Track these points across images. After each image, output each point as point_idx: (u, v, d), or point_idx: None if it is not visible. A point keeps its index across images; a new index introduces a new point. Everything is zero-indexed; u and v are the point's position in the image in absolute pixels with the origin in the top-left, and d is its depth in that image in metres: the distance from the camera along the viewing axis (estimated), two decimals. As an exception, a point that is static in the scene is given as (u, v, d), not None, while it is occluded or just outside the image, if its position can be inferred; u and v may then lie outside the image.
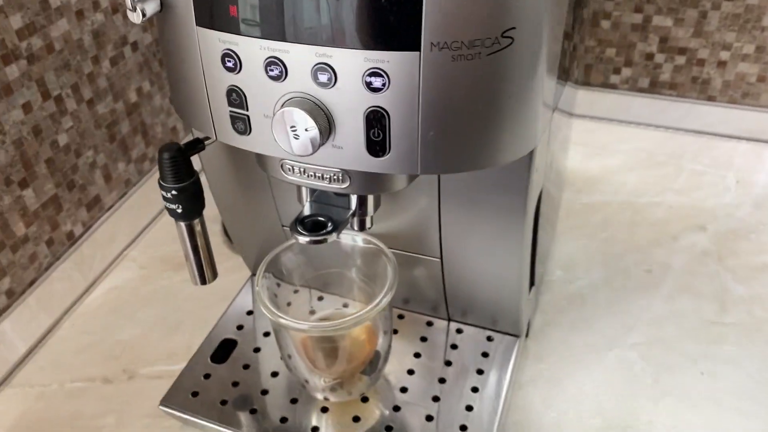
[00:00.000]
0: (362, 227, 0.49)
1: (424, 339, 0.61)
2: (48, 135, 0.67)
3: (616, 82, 0.92)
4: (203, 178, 0.50)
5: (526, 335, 0.64)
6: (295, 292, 0.62)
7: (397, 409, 0.55)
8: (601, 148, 0.90)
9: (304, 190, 0.49)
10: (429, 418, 0.54)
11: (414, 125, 0.39)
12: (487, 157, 0.41)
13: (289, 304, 0.60)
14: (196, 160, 0.49)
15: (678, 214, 0.79)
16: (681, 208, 0.80)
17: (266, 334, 0.63)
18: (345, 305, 0.62)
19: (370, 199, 0.48)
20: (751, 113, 0.88)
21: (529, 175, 0.45)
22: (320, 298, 0.63)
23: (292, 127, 0.40)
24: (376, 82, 0.38)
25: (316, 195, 0.49)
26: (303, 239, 0.46)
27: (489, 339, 0.60)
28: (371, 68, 0.38)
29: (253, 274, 0.68)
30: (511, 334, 0.61)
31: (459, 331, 0.61)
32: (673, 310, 0.68)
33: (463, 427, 0.53)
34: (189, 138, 0.49)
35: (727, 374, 0.61)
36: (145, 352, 0.66)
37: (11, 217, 0.65)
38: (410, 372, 0.58)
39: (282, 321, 0.48)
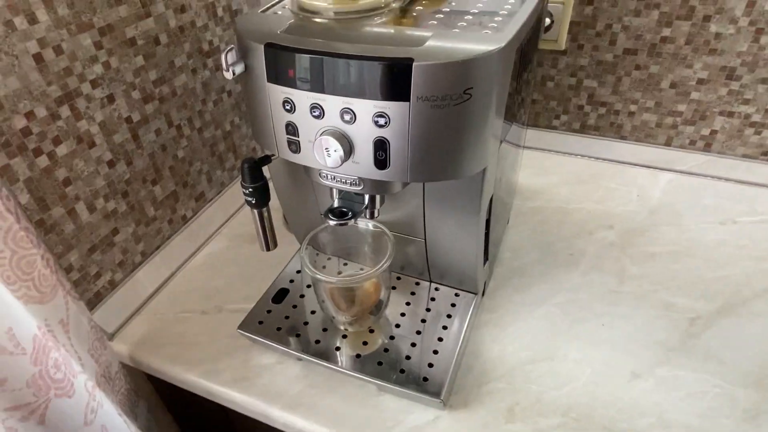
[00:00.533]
0: (372, 216, 0.52)
1: (413, 293, 0.64)
2: (171, 150, 0.71)
3: (557, 125, 0.93)
4: (271, 183, 0.53)
5: (483, 294, 0.67)
6: (328, 259, 0.65)
7: (392, 338, 0.58)
8: (544, 169, 0.91)
9: (334, 190, 0.52)
10: (413, 344, 0.57)
11: (405, 150, 0.42)
12: (453, 172, 0.44)
13: (324, 267, 0.63)
14: (266, 170, 0.52)
15: (594, 216, 0.80)
16: (597, 213, 0.81)
17: (308, 286, 0.66)
18: (361, 269, 0.66)
19: (377, 197, 0.51)
20: (651, 148, 0.89)
21: (482, 184, 0.48)
22: (345, 264, 0.66)
23: (326, 149, 0.43)
24: (381, 120, 0.41)
25: (342, 194, 0.52)
26: (332, 222, 0.49)
27: (456, 295, 0.63)
28: (378, 112, 0.41)
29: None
30: (472, 293, 0.63)
31: (437, 289, 0.64)
32: (586, 281, 0.69)
33: (435, 351, 0.56)
34: (261, 154, 0.52)
35: (621, 326, 0.63)
36: (230, 294, 0.70)
37: (145, 203, 0.69)
38: (402, 314, 0.61)
39: (317, 276, 0.51)
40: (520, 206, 0.83)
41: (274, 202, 0.54)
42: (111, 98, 0.60)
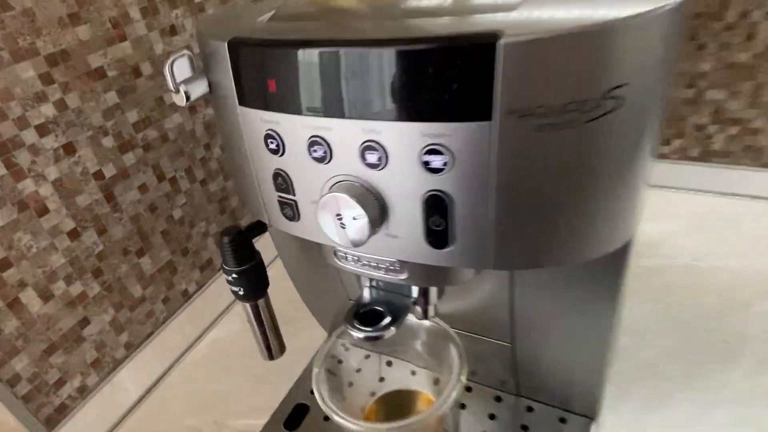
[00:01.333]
0: (425, 316, 0.32)
1: (492, 417, 0.42)
2: (163, 210, 0.55)
3: (667, 152, 0.70)
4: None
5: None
6: (366, 357, 0.45)
7: (465, 501, 0.37)
8: (656, 213, 0.68)
9: (365, 279, 0.33)
10: None
11: (484, 212, 0.22)
12: (577, 251, 0.23)
13: (358, 370, 0.43)
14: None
15: (744, 279, 0.56)
16: (747, 273, 0.57)
17: (339, 399, 0.46)
18: (413, 372, 0.45)
19: (433, 290, 0.31)
20: (807, 178, 0.64)
21: (623, 267, 0.27)
22: (389, 363, 0.46)
23: (337, 215, 0.24)
24: (436, 161, 0.21)
25: (375, 281, 0.33)
26: (358, 334, 0.30)
27: (562, 421, 0.41)
28: (429, 145, 0.21)
29: (329, 335, 0.52)
30: (587, 416, 0.41)
31: (530, 409, 0.42)
32: (757, 386, 0.45)
33: None
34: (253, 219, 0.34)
35: None
36: (235, 403, 0.51)
37: (128, 281, 0.53)
38: (480, 457, 0.39)
39: (337, 419, 0.31)
40: (632, 266, 0.60)
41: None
42: (70, 148, 0.45)
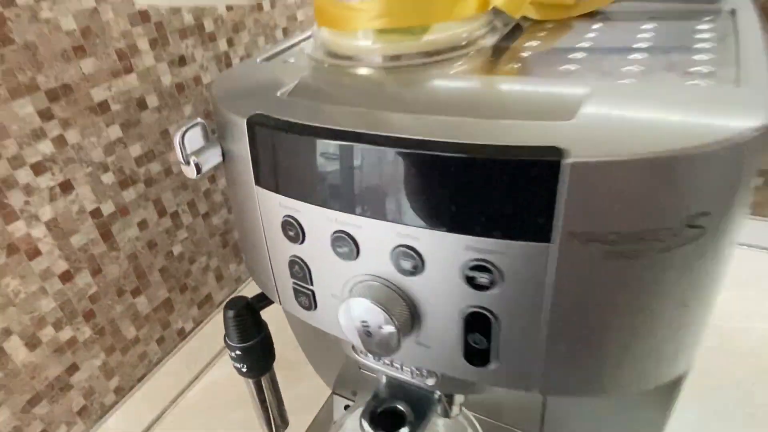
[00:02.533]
0: (446, 414, 0.29)
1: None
2: (163, 247, 0.53)
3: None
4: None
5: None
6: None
7: None
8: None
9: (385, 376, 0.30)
10: None
11: (535, 336, 0.19)
12: (628, 382, 0.21)
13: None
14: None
15: (772, 344, 0.53)
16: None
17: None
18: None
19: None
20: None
21: (674, 397, 0.24)
22: None
23: (363, 322, 0.21)
24: (482, 278, 0.19)
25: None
26: (373, 437, 0.27)
27: None
28: (475, 260, 0.18)
29: (333, 392, 0.49)
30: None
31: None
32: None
33: None
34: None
35: None
36: (230, 459, 0.48)
37: (122, 323, 0.50)
38: None
39: None
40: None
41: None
42: (67, 186, 0.42)
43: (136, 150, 0.48)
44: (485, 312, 0.19)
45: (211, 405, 0.55)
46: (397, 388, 0.28)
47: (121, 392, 0.52)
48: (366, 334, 0.21)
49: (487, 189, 0.17)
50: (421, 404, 0.27)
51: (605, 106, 0.18)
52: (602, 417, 0.29)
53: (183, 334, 0.58)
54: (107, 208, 0.46)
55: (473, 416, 0.32)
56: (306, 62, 0.28)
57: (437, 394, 0.28)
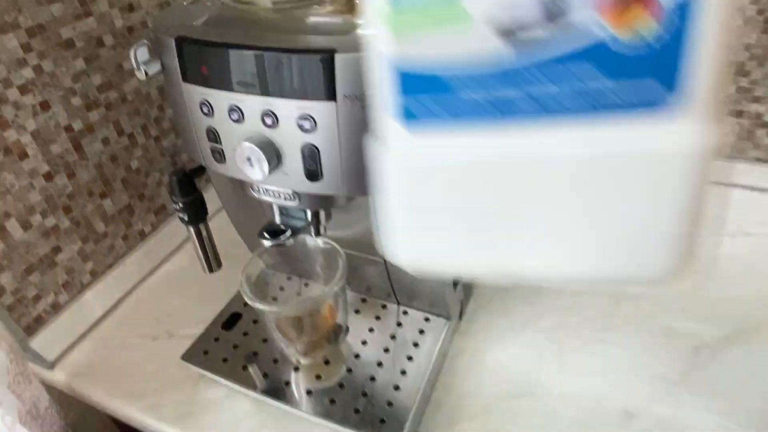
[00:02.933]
0: (318, 233, 0.46)
1: (378, 318, 0.57)
2: (123, 161, 0.66)
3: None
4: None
5: (460, 318, 0.60)
6: (288, 279, 0.59)
7: (349, 370, 0.52)
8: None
9: (274, 205, 0.46)
10: (372, 378, 0.50)
11: (338, 158, 0.36)
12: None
13: (281, 288, 0.57)
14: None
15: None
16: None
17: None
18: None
19: (321, 213, 0.45)
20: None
21: None
22: (306, 284, 0.59)
23: (249, 158, 0.37)
24: (306, 124, 0.35)
25: (283, 209, 0.46)
26: (266, 243, 0.43)
27: (426, 320, 0.56)
28: (302, 114, 0.35)
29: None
30: (444, 317, 0.56)
31: (405, 312, 0.57)
32: (576, 302, 0.62)
33: (397, 387, 0.49)
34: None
35: (615, 355, 0.55)
36: (184, 318, 0.64)
37: (93, 219, 0.64)
38: (364, 342, 0.54)
39: (256, 305, 0.45)
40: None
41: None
42: (45, 105, 0.55)
43: (97, 80, 0.61)
44: (313, 146, 0.35)
45: (168, 286, 0.71)
46: (284, 218, 0.45)
47: (95, 274, 0.66)
48: (250, 165, 0.37)
49: (300, 72, 0.33)
50: (297, 224, 0.44)
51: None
52: None
53: (143, 235, 0.72)
54: (77, 125, 0.59)
55: (341, 249, 0.49)
56: (219, 4, 0.42)
57: (307, 215, 0.44)
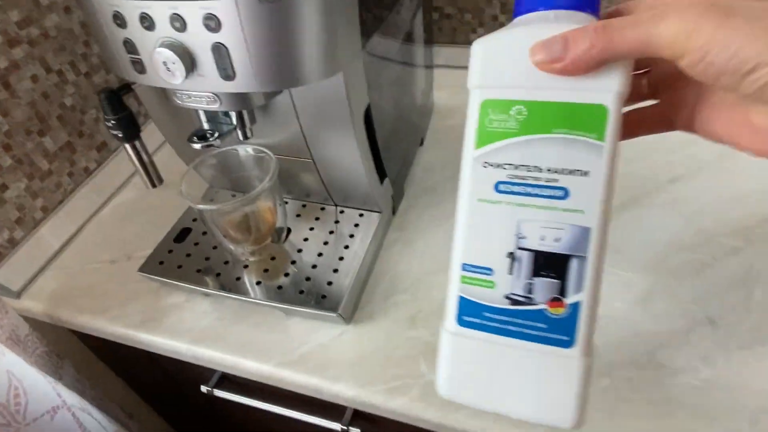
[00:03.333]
0: (245, 137, 0.50)
1: (317, 219, 0.63)
2: (55, 98, 0.68)
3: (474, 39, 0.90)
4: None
5: (394, 213, 0.66)
6: (216, 192, 0.63)
7: (293, 262, 0.58)
8: (463, 88, 0.89)
9: (199, 112, 0.50)
10: (314, 266, 0.57)
11: (247, 55, 0.40)
12: (301, 77, 0.41)
13: (212, 199, 0.62)
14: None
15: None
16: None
17: (215, 224, 0.65)
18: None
19: (245, 114, 0.49)
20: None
21: (347, 93, 0.46)
22: (233, 195, 0.64)
23: (164, 63, 0.40)
24: (212, 24, 0.38)
25: (209, 115, 0.50)
26: (195, 146, 0.48)
27: (360, 215, 0.62)
28: (206, 14, 0.38)
29: (211, 186, 0.69)
30: (376, 211, 0.62)
31: (342, 212, 0.63)
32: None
33: (335, 270, 0.56)
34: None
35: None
36: (140, 242, 0.68)
37: (35, 156, 0.66)
38: (305, 240, 0.60)
39: (198, 207, 0.50)
40: (437, 125, 0.82)
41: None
42: (-36, 42, 0.56)
43: (15, 16, 0.61)
44: (221, 44, 0.39)
45: (121, 217, 0.74)
46: (212, 124, 0.49)
47: (46, 210, 0.69)
48: (167, 70, 0.41)
49: (200, -27, 0.36)
50: (223, 129, 0.48)
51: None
52: (322, 126, 0.51)
53: (89, 171, 0.75)
54: (2, 62, 0.60)
55: (271, 153, 0.54)
56: None
57: (232, 118, 0.48)
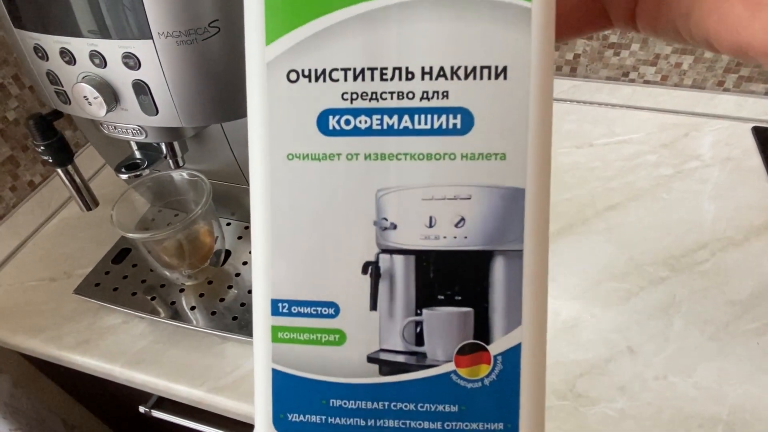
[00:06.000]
0: (177, 166, 0.50)
1: (258, 241, 0.63)
2: (-3, 112, 0.67)
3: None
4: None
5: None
6: (159, 211, 0.63)
7: (230, 287, 0.58)
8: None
9: (131, 142, 0.50)
10: (250, 291, 0.57)
11: (167, 92, 0.40)
12: (228, 113, 0.42)
13: (153, 219, 0.62)
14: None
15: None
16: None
17: (156, 244, 0.65)
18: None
19: (175, 144, 0.49)
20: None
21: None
22: (176, 215, 0.64)
23: (84, 96, 0.41)
24: (131, 62, 0.39)
25: (141, 143, 0.50)
26: (122, 176, 0.48)
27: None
28: (125, 53, 0.38)
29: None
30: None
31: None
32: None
33: (271, 296, 0.57)
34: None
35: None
36: (81, 259, 0.68)
37: (-27, 171, 0.65)
38: (245, 263, 0.61)
39: (128, 235, 0.50)
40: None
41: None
42: None
43: (-50, 30, 0.60)
44: (141, 82, 0.39)
45: (63, 233, 0.74)
46: (143, 152, 0.49)
47: (-15, 226, 0.68)
48: (89, 104, 0.41)
49: (119, 12, 0.36)
50: (153, 157, 0.49)
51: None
52: None
53: (33, 185, 0.74)
54: (-65, 77, 0.59)
55: (205, 178, 0.54)
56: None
57: (163, 149, 0.48)
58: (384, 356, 0.15)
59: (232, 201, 0.61)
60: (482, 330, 0.15)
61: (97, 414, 0.91)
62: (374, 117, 0.14)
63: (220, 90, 0.41)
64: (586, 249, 0.65)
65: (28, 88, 0.70)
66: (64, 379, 0.81)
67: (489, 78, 0.13)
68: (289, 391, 0.15)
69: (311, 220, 0.15)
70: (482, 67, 0.13)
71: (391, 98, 0.14)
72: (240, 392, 0.53)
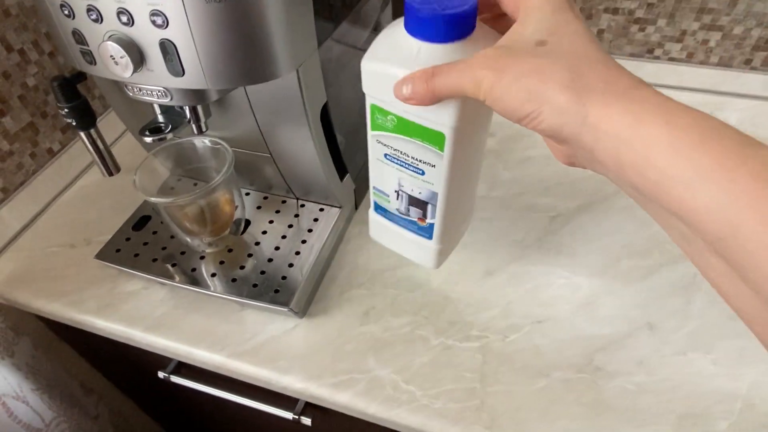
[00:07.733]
0: (200, 131, 0.50)
1: (278, 212, 0.63)
2: (17, 78, 0.67)
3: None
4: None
5: (356, 208, 0.67)
6: (179, 180, 0.64)
7: (250, 255, 0.58)
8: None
9: (155, 105, 0.50)
10: (270, 260, 0.58)
11: (195, 52, 0.40)
12: (254, 75, 0.42)
13: (172, 188, 0.62)
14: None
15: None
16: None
17: (176, 212, 0.65)
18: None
19: (199, 109, 0.49)
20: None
21: (301, 90, 0.46)
22: (195, 184, 0.64)
23: (112, 56, 0.40)
24: (159, 20, 0.38)
25: (164, 107, 0.50)
26: (147, 139, 0.48)
27: (320, 210, 0.63)
28: (153, 10, 0.38)
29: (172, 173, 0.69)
30: (337, 206, 0.63)
31: (302, 205, 0.64)
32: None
33: (291, 264, 0.57)
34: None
35: (483, 229, 0.64)
36: (101, 226, 0.68)
37: (-6, 137, 0.66)
38: (264, 232, 0.61)
39: (151, 199, 0.50)
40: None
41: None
42: None
43: (-29, -8, 0.60)
44: (168, 41, 0.39)
45: (83, 200, 0.74)
46: (166, 116, 0.49)
47: (6, 191, 0.69)
48: (115, 64, 0.41)
49: (145, -31, 0.36)
50: (177, 122, 0.48)
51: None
52: (278, 121, 0.51)
53: (52, 153, 0.74)
54: (-43, 40, 0.59)
55: (228, 146, 0.54)
56: None
57: (186, 112, 0.48)
58: (399, 211, 0.44)
59: (253, 170, 0.61)
60: (424, 216, 0.43)
61: (114, 380, 0.93)
62: (397, 161, 0.39)
63: (248, 51, 0.40)
64: (606, 226, 0.64)
65: (47, 54, 0.70)
66: (81, 345, 0.82)
67: (430, 166, 0.38)
68: (377, 206, 0.45)
69: (383, 175, 0.42)
70: (427, 162, 0.37)
71: (402, 158, 0.39)
72: (260, 358, 0.53)
